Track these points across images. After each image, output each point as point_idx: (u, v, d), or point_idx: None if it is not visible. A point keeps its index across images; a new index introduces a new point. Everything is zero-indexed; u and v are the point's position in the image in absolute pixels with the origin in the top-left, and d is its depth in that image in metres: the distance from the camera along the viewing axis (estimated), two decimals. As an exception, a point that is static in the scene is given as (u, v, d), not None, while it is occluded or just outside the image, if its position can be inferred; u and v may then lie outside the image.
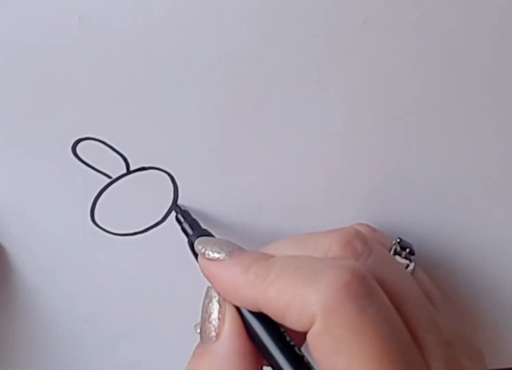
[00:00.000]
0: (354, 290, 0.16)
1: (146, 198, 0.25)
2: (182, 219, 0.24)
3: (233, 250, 0.20)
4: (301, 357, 0.18)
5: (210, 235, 0.23)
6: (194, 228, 0.23)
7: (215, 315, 0.20)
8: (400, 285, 0.19)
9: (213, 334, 0.19)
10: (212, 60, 0.23)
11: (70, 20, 0.22)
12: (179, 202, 0.25)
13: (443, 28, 0.23)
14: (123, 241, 0.26)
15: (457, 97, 0.24)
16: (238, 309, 0.19)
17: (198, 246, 0.21)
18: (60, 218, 0.26)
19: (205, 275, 0.20)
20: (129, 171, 0.25)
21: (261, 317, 0.19)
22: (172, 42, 0.23)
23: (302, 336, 0.18)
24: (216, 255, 0.20)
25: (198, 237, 0.22)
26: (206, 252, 0.20)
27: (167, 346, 0.29)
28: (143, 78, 0.23)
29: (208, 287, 0.20)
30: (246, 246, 0.26)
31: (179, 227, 0.24)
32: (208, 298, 0.20)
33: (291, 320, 0.17)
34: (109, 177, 0.25)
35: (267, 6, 0.22)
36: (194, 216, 0.25)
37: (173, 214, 0.25)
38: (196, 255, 0.21)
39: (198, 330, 0.21)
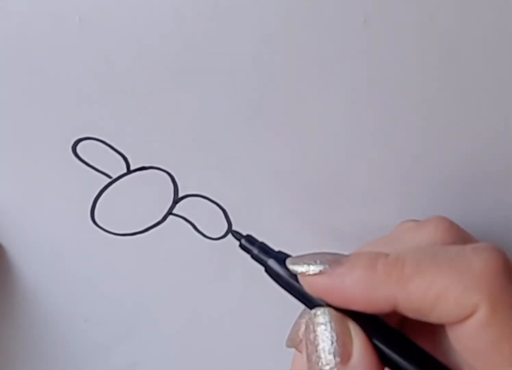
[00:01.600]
0: (510, 271, 0.16)
1: (146, 197, 0.25)
2: (249, 246, 0.20)
3: (337, 256, 0.18)
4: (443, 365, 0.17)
5: (285, 254, 0.20)
6: (267, 251, 0.20)
7: (337, 335, 0.17)
8: None
9: (339, 358, 0.17)
10: (212, 60, 0.23)
11: (70, 20, 0.22)
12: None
13: (443, 28, 0.23)
14: (123, 241, 0.26)
15: (458, 97, 0.24)
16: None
17: (293, 267, 0.18)
18: (60, 218, 0.26)
19: (315, 293, 0.18)
20: (129, 171, 0.25)
21: (387, 329, 0.17)
22: (172, 42, 0.23)
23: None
24: (321, 267, 0.17)
25: (278, 259, 0.19)
26: (309, 269, 0.18)
27: (167, 345, 0.28)
28: (143, 78, 0.23)
29: (310, 313, 0.18)
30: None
31: (247, 255, 0.21)
32: (321, 320, 0.18)
33: (441, 312, 0.16)
34: (109, 177, 0.25)
35: (267, 6, 0.22)
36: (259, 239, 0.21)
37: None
38: (274, 277, 0.19)
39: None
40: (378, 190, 0.26)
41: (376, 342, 0.17)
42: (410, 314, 0.17)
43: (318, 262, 0.18)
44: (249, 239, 0.21)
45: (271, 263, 0.19)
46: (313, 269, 0.18)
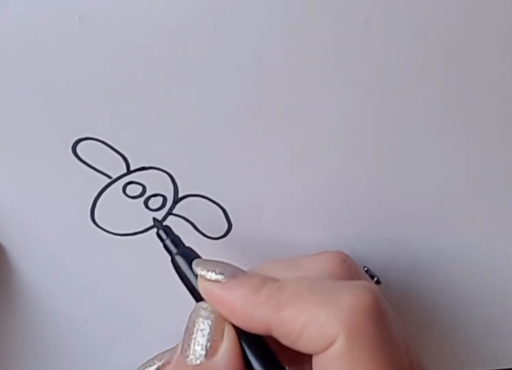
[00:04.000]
0: (375, 312, 0.17)
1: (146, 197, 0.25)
2: (164, 236, 0.23)
3: (237, 271, 0.20)
4: None
5: (194, 252, 0.22)
6: (178, 246, 0.23)
7: (211, 331, 0.19)
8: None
9: (205, 351, 0.19)
10: (212, 60, 0.23)
11: (70, 20, 0.22)
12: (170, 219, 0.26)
13: (443, 28, 0.23)
14: (123, 241, 0.26)
15: (458, 98, 0.24)
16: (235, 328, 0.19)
17: (196, 268, 0.20)
18: (60, 218, 0.26)
19: (206, 297, 0.20)
20: (129, 171, 0.25)
21: (257, 339, 0.19)
22: (172, 42, 0.23)
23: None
24: (219, 277, 0.19)
25: (185, 256, 0.22)
26: (208, 274, 0.20)
27: (167, 345, 0.28)
28: (143, 78, 0.23)
29: (196, 305, 0.20)
30: (247, 247, 0.26)
31: (161, 244, 0.23)
32: (203, 314, 0.20)
33: (307, 340, 0.17)
34: (109, 177, 0.25)
35: (266, 6, 0.22)
36: (176, 233, 0.24)
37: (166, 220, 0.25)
38: (178, 273, 0.21)
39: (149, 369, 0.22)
40: (378, 191, 0.26)
41: (246, 351, 0.19)
42: (282, 340, 0.18)
43: (217, 271, 0.19)
44: (166, 230, 0.23)
45: (178, 257, 0.22)
46: (211, 275, 0.19)
